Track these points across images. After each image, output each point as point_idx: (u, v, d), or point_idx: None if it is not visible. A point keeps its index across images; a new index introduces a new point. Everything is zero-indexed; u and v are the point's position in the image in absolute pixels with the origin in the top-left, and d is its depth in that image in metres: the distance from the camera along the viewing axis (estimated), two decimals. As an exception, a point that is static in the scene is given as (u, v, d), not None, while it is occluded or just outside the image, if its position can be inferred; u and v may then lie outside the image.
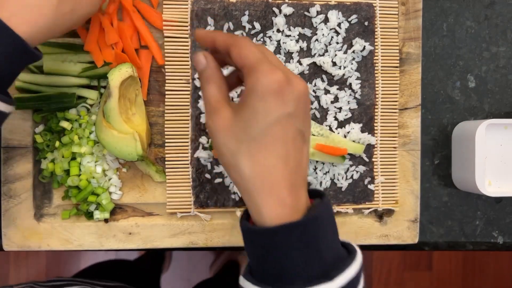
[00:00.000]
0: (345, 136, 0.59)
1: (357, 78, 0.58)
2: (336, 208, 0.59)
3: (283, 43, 0.57)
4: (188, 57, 0.57)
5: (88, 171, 0.55)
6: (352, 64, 0.58)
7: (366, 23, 0.58)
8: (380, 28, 0.59)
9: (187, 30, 0.56)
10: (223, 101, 0.38)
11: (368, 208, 0.60)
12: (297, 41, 0.57)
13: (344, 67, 0.58)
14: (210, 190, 0.57)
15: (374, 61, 0.59)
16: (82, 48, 0.54)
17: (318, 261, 0.35)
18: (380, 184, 0.60)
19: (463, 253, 1.62)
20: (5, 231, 0.55)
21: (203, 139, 0.57)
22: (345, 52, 0.58)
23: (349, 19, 0.58)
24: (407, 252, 1.32)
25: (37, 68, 0.54)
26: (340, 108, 0.59)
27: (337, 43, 0.58)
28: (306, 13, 0.57)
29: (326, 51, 0.58)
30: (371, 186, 0.59)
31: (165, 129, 0.57)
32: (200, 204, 0.57)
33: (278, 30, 0.57)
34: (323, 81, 0.58)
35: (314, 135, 0.57)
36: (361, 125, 0.59)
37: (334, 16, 0.57)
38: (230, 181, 0.57)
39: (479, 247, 0.65)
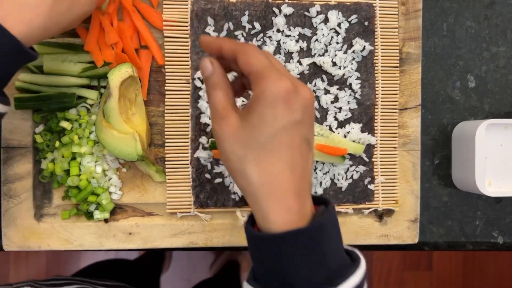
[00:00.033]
0: (345, 136, 0.59)
1: (357, 78, 0.58)
2: (336, 208, 0.59)
3: (283, 43, 0.57)
4: (188, 57, 0.57)
5: (88, 171, 0.55)
6: (352, 64, 0.58)
7: (366, 23, 0.58)
8: (380, 28, 0.59)
9: (187, 30, 0.56)
10: (230, 108, 0.39)
11: (368, 208, 0.60)
12: (297, 41, 0.57)
13: (344, 67, 0.58)
14: (210, 190, 0.57)
15: (374, 61, 0.59)
16: (82, 48, 0.54)
17: (322, 268, 0.36)
18: (380, 184, 0.60)
19: (463, 253, 1.62)
20: (5, 231, 0.55)
21: (203, 139, 0.57)
22: (345, 52, 0.58)
23: (349, 19, 0.58)
24: (407, 252, 1.32)
25: (37, 68, 0.54)
26: (340, 108, 0.59)
27: (337, 43, 0.58)
28: (306, 13, 0.57)
29: (326, 51, 0.58)
30: (371, 186, 0.59)
31: (165, 129, 0.57)
32: (200, 204, 0.57)
33: (278, 30, 0.57)
34: (323, 81, 0.58)
35: (314, 135, 0.57)
36: (361, 125, 0.59)
37: (334, 16, 0.57)
38: (230, 181, 0.57)
39: (479, 247, 0.65)
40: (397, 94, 0.60)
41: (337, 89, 0.58)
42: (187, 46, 0.56)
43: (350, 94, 0.58)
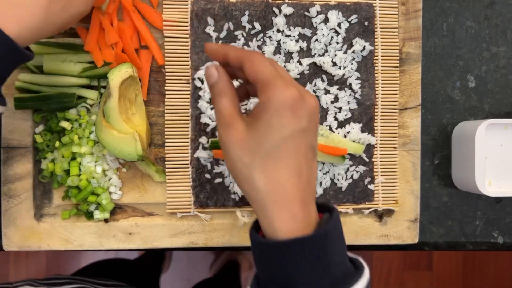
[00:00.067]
0: (345, 136, 0.59)
1: (357, 78, 0.58)
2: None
3: (283, 43, 0.57)
4: (188, 57, 0.57)
5: (88, 171, 0.55)
6: (352, 64, 0.58)
7: (366, 23, 0.58)
8: (380, 28, 0.59)
9: (187, 30, 0.56)
10: (236, 115, 0.39)
11: (368, 208, 0.60)
12: (297, 41, 0.57)
13: (344, 67, 0.58)
14: (210, 190, 0.57)
15: (374, 61, 0.59)
16: (82, 48, 0.54)
17: (327, 275, 0.36)
18: (380, 184, 0.60)
19: (463, 253, 1.62)
20: (5, 231, 0.55)
21: (203, 139, 0.57)
22: (345, 52, 0.58)
23: (349, 19, 0.58)
24: (407, 252, 1.32)
25: (37, 68, 0.54)
26: (340, 108, 0.59)
27: (337, 43, 0.58)
28: (306, 13, 0.57)
29: (326, 51, 0.58)
30: (371, 186, 0.59)
31: (165, 129, 0.57)
32: (200, 204, 0.57)
33: (278, 30, 0.57)
34: (323, 81, 0.58)
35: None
36: (361, 125, 0.59)
37: (334, 16, 0.57)
38: (230, 181, 0.57)
39: (479, 247, 0.65)
40: (397, 94, 0.60)
41: (337, 89, 0.58)
42: (187, 46, 0.56)
43: (350, 94, 0.58)
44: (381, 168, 0.60)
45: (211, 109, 0.57)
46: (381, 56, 0.59)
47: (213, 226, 0.58)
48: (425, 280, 1.61)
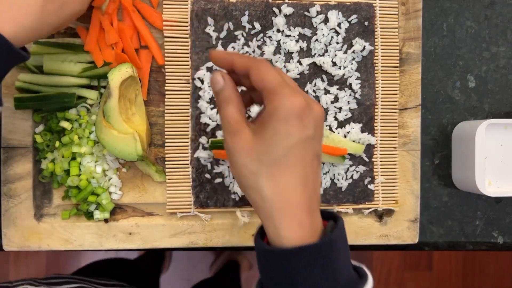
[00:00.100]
0: (345, 136, 0.59)
1: (357, 78, 0.58)
2: (336, 208, 0.59)
3: (283, 43, 0.57)
4: (188, 57, 0.57)
5: (88, 171, 0.55)
6: (352, 64, 0.58)
7: (366, 23, 0.58)
8: (380, 28, 0.59)
9: (187, 30, 0.56)
10: (242, 122, 0.39)
11: (368, 208, 0.60)
12: (297, 41, 0.57)
13: (344, 67, 0.58)
14: (210, 190, 0.57)
15: (374, 61, 0.59)
16: (82, 48, 0.54)
17: (332, 283, 0.36)
18: (380, 184, 0.60)
19: (463, 253, 1.62)
20: (5, 231, 0.55)
21: (203, 139, 0.57)
22: (345, 52, 0.58)
23: (349, 19, 0.58)
24: (407, 252, 1.32)
25: (37, 68, 0.54)
26: (340, 108, 0.59)
27: (337, 43, 0.58)
28: (306, 13, 0.57)
29: (326, 51, 0.58)
30: (371, 186, 0.59)
31: (165, 129, 0.57)
32: (200, 204, 0.57)
33: (278, 30, 0.57)
34: (323, 81, 0.58)
35: None
36: (361, 125, 0.59)
37: (334, 16, 0.57)
38: (230, 181, 0.57)
39: (479, 247, 0.65)
40: (397, 94, 0.60)
41: (337, 89, 0.58)
42: (187, 46, 0.56)
43: (350, 94, 0.58)
44: (381, 168, 0.60)
45: (211, 109, 0.57)
46: (381, 56, 0.59)
47: (213, 226, 0.58)
48: (425, 280, 1.61)
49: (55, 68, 0.54)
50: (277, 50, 0.57)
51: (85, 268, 0.95)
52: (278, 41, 0.57)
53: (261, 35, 0.57)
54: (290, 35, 0.57)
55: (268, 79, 0.38)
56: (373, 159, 0.60)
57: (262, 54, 0.57)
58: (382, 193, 0.60)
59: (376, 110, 0.59)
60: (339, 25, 0.58)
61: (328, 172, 0.59)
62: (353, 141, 0.58)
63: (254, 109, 0.56)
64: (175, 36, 0.56)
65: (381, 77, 0.59)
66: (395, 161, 0.60)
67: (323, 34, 0.57)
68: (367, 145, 0.59)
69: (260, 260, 0.39)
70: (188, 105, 0.57)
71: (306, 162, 0.37)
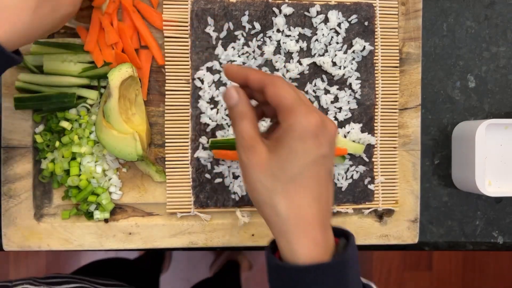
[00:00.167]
0: (345, 136, 0.59)
1: (357, 78, 0.58)
2: (336, 208, 0.59)
3: (283, 43, 0.57)
4: (188, 57, 0.57)
5: (88, 171, 0.55)
6: (352, 64, 0.58)
7: (366, 23, 0.58)
8: (380, 28, 0.59)
9: (187, 30, 0.56)
10: (257, 138, 0.39)
11: (368, 208, 0.60)
12: (297, 41, 0.57)
13: (344, 67, 0.58)
14: (210, 190, 0.57)
15: (374, 61, 0.59)
16: (82, 48, 0.54)
17: None
18: (380, 184, 0.60)
19: (463, 253, 1.62)
20: (5, 231, 0.55)
21: (203, 139, 0.57)
22: (345, 52, 0.58)
23: (349, 19, 0.58)
24: (407, 252, 1.32)
25: (37, 68, 0.54)
26: (340, 108, 0.58)
27: (337, 43, 0.58)
28: (306, 13, 0.57)
29: (326, 51, 0.58)
30: (371, 186, 0.59)
31: (165, 129, 0.57)
32: (200, 204, 0.57)
33: (278, 30, 0.57)
34: (323, 81, 0.58)
35: None
36: (361, 125, 0.59)
37: (334, 16, 0.57)
38: (230, 181, 0.57)
39: (479, 247, 0.64)
40: (397, 94, 0.60)
41: (337, 89, 0.58)
42: (187, 46, 0.56)
43: (350, 94, 0.58)
44: (381, 168, 0.60)
45: (211, 109, 0.57)
46: (381, 56, 0.59)
47: (213, 226, 0.58)
48: (425, 280, 1.61)
49: (55, 68, 0.54)
50: (277, 50, 0.57)
51: (85, 267, 0.95)
52: (278, 41, 0.57)
53: (261, 35, 0.57)
54: (290, 35, 0.57)
55: (284, 96, 0.38)
56: (373, 159, 0.60)
57: (262, 54, 0.57)
58: (382, 193, 0.60)
59: (376, 110, 0.59)
60: (339, 25, 0.58)
61: (328, 172, 0.59)
62: (353, 141, 0.58)
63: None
64: (175, 36, 0.56)
65: (381, 77, 0.59)
66: (395, 161, 0.60)
67: (323, 34, 0.57)
68: (367, 145, 0.59)
69: (272, 275, 0.39)
70: (188, 105, 0.57)
71: (320, 180, 0.38)
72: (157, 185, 0.58)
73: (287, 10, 0.57)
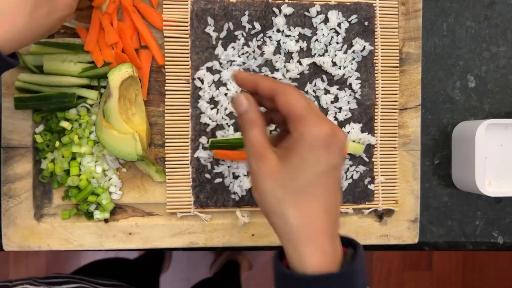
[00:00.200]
0: (345, 136, 0.59)
1: (357, 78, 0.58)
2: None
3: (283, 43, 0.57)
4: (188, 57, 0.57)
5: (88, 171, 0.55)
6: (352, 64, 0.58)
7: (366, 23, 0.58)
8: (380, 28, 0.59)
9: (187, 30, 0.56)
10: (267, 146, 0.39)
11: (368, 208, 0.60)
12: (297, 41, 0.57)
13: (344, 67, 0.58)
14: (210, 190, 0.57)
15: (374, 61, 0.59)
16: (82, 48, 0.54)
17: None
18: (380, 184, 0.60)
19: (463, 253, 1.62)
20: (5, 231, 0.55)
21: (203, 139, 0.57)
22: (345, 52, 0.58)
23: (349, 19, 0.58)
24: (407, 252, 1.32)
25: (37, 68, 0.54)
26: (340, 108, 0.58)
27: (337, 43, 0.58)
28: (306, 13, 0.57)
29: (326, 51, 0.58)
30: (371, 186, 0.59)
31: (165, 129, 0.57)
32: (200, 204, 0.57)
33: (278, 30, 0.57)
34: (323, 81, 0.58)
35: None
36: (361, 125, 0.59)
37: (334, 16, 0.57)
38: (230, 181, 0.57)
39: (479, 247, 0.65)
40: (397, 94, 0.60)
41: (337, 89, 0.58)
42: (187, 46, 0.56)
43: (350, 94, 0.58)
44: (381, 168, 0.60)
45: (211, 109, 0.57)
46: (381, 56, 0.59)
47: (213, 226, 0.58)
48: (425, 280, 1.61)
49: (55, 68, 0.54)
50: (277, 50, 0.57)
51: (85, 267, 0.95)
52: (278, 41, 0.57)
53: (261, 35, 0.57)
54: (290, 35, 0.57)
55: (295, 104, 0.38)
56: (373, 159, 0.60)
57: (262, 54, 0.57)
58: (382, 193, 0.60)
59: (376, 110, 0.59)
60: (339, 25, 0.58)
61: (328, 172, 0.59)
62: (353, 141, 0.58)
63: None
64: (175, 36, 0.56)
65: (381, 77, 0.59)
66: (395, 161, 0.60)
67: (323, 34, 0.57)
68: (367, 145, 0.59)
69: (279, 282, 0.39)
70: (188, 105, 0.57)
71: (330, 190, 0.38)
72: (157, 185, 0.58)
73: (287, 10, 0.57)
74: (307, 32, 0.57)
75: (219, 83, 0.57)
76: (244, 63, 0.57)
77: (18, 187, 0.55)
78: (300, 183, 0.37)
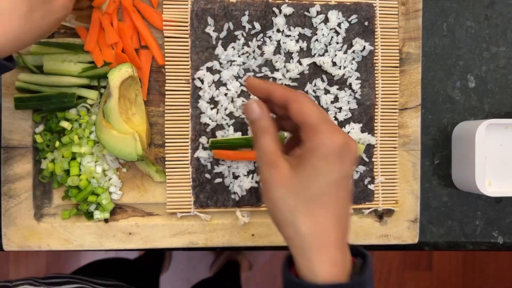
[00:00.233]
0: (345, 136, 0.59)
1: (357, 78, 0.58)
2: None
3: (283, 43, 0.57)
4: (188, 57, 0.57)
5: (88, 171, 0.55)
6: (352, 64, 0.58)
7: (366, 23, 0.58)
8: (380, 28, 0.59)
9: (187, 30, 0.56)
10: (280, 154, 0.39)
11: (368, 208, 0.60)
12: (297, 41, 0.57)
13: (344, 67, 0.58)
14: (210, 190, 0.57)
15: (374, 61, 0.59)
16: (82, 48, 0.54)
17: None
18: (380, 184, 0.60)
19: (463, 253, 1.62)
20: (5, 231, 0.55)
21: (203, 139, 0.57)
22: (345, 52, 0.58)
23: (349, 19, 0.58)
24: (407, 252, 1.32)
25: (37, 68, 0.54)
26: (340, 108, 0.58)
27: (337, 43, 0.58)
28: (306, 13, 0.57)
29: (326, 51, 0.58)
30: (371, 186, 0.59)
31: (165, 129, 0.57)
32: (200, 204, 0.57)
33: (278, 30, 0.57)
34: (323, 81, 0.58)
35: None
36: (361, 125, 0.59)
37: (334, 16, 0.57)
38: (230, 181, 0.57)
39: (479, 247, 0.65)
40: (397, 94, 0.60)
41: (337, 89, 0.58)
42: (187, 46, 0.56)
43: (350, 94, 0.58)
44: (381, 168, 0.60)
45: (211, 109, 0.57)
46: (381, 56, 0.59)
47: (213, 226, 0.58)
48: (425, 280, 1.61)
49: (55, 68, 0.54)
50: (277, 50, 0.57)
51: (85, 267, 0.95)
52: (278, 41, 0.57)
53: (261, 35, 0.57)
54: (290, 35, 0.57)
55: (308, 113, 0.38)
56: (373, 159, 0.60)
57: (262, 54, 0.57)
58: (382, 193, 0.60)
59: (376, 110, 0.59)
60: (339, 25, 0.58)
61: (328, 172, 0.59)
62: (353, 141, 0.58)
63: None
64: (175, 36, 0.56)
65: (381, 77, 0.59)
66: (395, 161, 0.60)
67: (323, 34, 0.57)
68: (367, 145, 0.59)
69: None
70: (188, 105, 0.57)
71: (340, 199, 0.38)
72: (157, 185, 0.58)
73: (287, 10, 0.57)
74: (307, 32, 0.57)
75: (219, 83, 0.57)
76: (244, 63, 0.57)
77: (18, 187, 0.55)
78: (312, 192, 0.37)
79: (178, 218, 0.58)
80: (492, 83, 0.64)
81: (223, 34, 0.56)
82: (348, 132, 0.58)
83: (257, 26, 0.57)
